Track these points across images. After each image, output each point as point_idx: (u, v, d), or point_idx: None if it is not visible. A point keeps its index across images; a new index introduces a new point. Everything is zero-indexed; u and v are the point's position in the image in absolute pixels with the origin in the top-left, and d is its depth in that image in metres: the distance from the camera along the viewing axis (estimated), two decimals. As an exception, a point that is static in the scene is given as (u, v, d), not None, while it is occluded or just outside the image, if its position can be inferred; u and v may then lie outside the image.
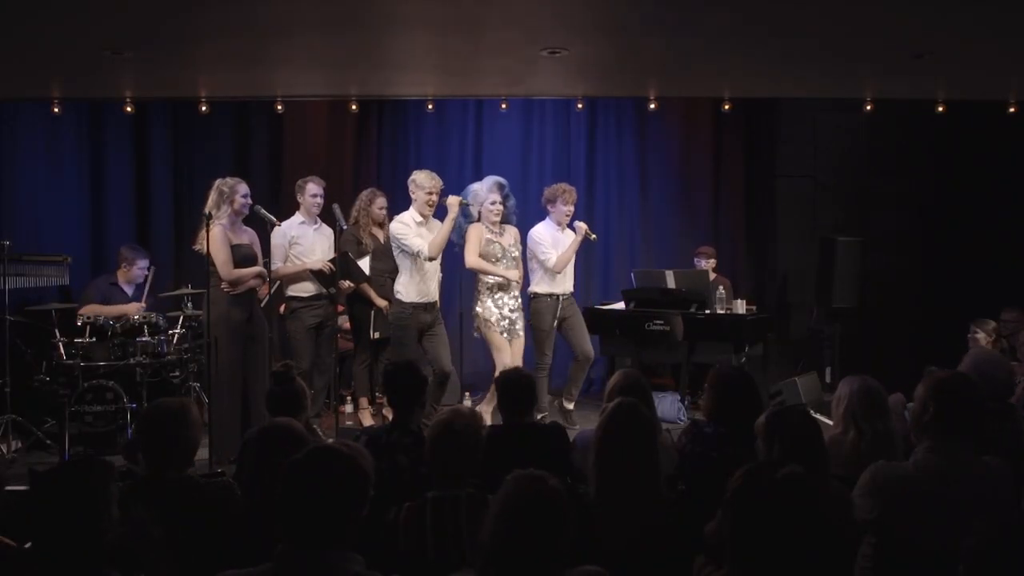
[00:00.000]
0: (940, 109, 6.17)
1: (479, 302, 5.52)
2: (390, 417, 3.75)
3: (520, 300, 5.63)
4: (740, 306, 6.28)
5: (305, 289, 5.60)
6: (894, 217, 7.45)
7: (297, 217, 5.69)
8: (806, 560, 1.80)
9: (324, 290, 5.54)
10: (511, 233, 5.64)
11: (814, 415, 2.92)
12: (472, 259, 5.44)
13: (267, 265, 5.20)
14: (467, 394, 6.30)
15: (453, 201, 5.21)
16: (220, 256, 4.87)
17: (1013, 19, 4.10)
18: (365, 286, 5.77)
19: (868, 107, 6.22)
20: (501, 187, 5.52)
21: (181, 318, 5.85)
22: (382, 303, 5.81)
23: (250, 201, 5.06)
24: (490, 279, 5.49)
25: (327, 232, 5.66)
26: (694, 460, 3.10)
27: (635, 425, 2.65)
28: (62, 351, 5.32)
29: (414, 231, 5.23)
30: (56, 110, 6.17)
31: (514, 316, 5.52)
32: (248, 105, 7.07)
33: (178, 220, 7.13)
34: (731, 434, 3.07)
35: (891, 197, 7.46)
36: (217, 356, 4.85)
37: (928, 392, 2.52)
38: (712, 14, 4.12)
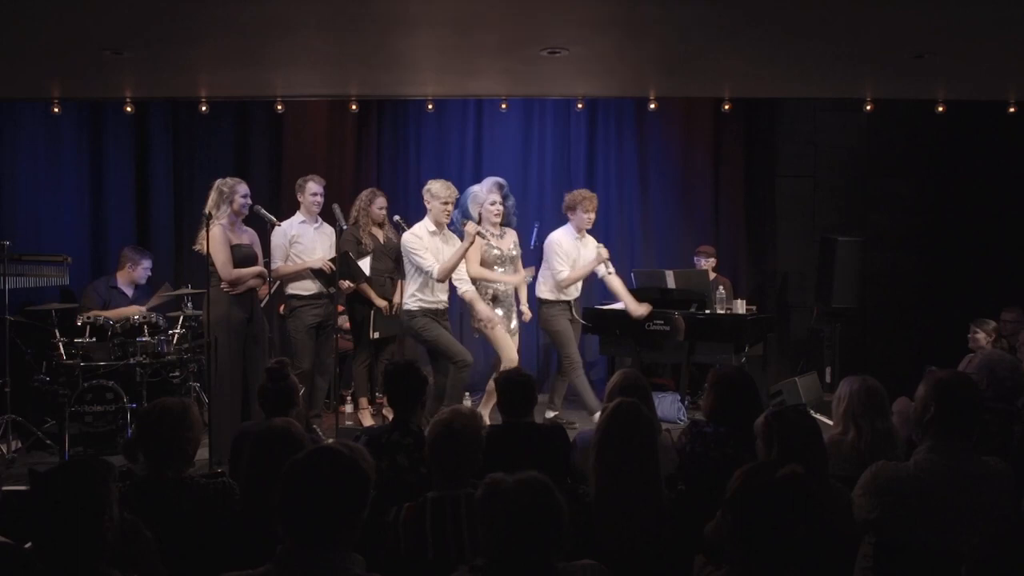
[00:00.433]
0: (940, 109, 6.16)
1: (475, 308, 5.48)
2: (390, 417, 3.75)
3: (513, 297, 5.62)
4: (740, 306, 6.28)
5: (305, 288, 5.58)
6: (894, 217, 7.46)
7: (298, 216, 5.69)
8: (806, 560, 1.80)
9: (324, 289, 5.54)
10: (510, 236, 5.62)
11: (814, 415, 2.92)
12: (475, 269, 5.41)
13: (267, 265, 5.21)
14: (467, 394, 6.30)
15: (471, 229, 5.14)
16: (220, 256, 4.88)
17: (1013, 19, 4.10)
18: (365, 286, 5.77)
19: (868, 107, 6.21)
20: (500, 187, 5.50)
21: (181, 318, 5.85)
22: (382, 303, 5.81)
23: (250, 201, 5.07)
24: (489, 289, 5.48)
25: (328, 231, 5.65)
26: (694, 460, 3.10)
27: (635, 425, 2.66)
28: (62, 351, 5.32)
29: (426, 245, 5.20)
30: (56, 110, 6.16)
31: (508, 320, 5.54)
32: (248, 105, 7.07)
33: (178, 220, 7.13)
34: (731, 434, 3.08)
35: (891, 197, 7.46)
36: (217, 356, 4.85)
37: (929, 392, 2.52)
38: (712, 14, 4.12)
